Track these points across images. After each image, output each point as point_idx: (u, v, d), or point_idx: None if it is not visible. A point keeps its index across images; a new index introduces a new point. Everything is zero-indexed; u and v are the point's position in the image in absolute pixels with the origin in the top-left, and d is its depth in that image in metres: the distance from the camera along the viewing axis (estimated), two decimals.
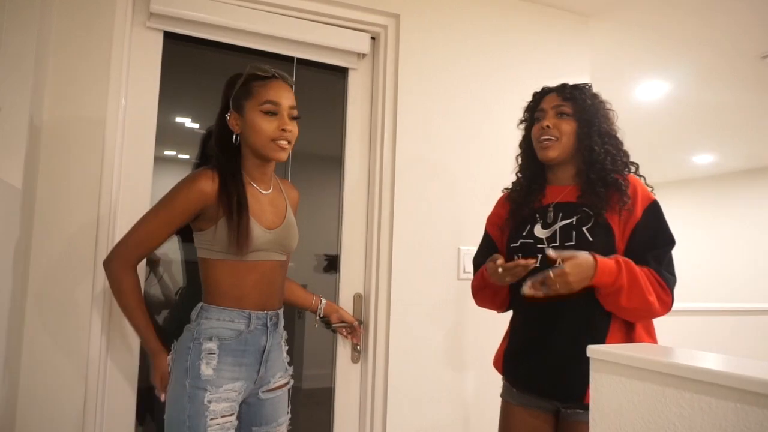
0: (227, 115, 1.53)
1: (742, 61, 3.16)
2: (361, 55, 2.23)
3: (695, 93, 3.79)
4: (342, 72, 2.24)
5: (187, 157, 2.15)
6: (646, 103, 4.00)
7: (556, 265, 1.35)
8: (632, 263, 1.41)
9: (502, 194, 1.76)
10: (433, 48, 2.26)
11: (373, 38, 2.25)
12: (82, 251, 1.75)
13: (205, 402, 1.40)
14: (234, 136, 1.52)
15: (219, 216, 1.46)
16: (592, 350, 0.98)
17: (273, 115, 1.49)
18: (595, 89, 1.64)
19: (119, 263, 1.48)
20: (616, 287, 1.38)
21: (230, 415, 1.45)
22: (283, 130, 1.48)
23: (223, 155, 1.53)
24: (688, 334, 3.58)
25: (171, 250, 1.95)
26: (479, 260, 1.71)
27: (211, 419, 1.40)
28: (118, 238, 1.79)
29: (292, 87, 1.56)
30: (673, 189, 7.57)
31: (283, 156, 1.51)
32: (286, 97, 1.50)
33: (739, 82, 3.54)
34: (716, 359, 0.88)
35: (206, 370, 1.43)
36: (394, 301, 2.11)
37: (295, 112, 1.53)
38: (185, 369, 1.44)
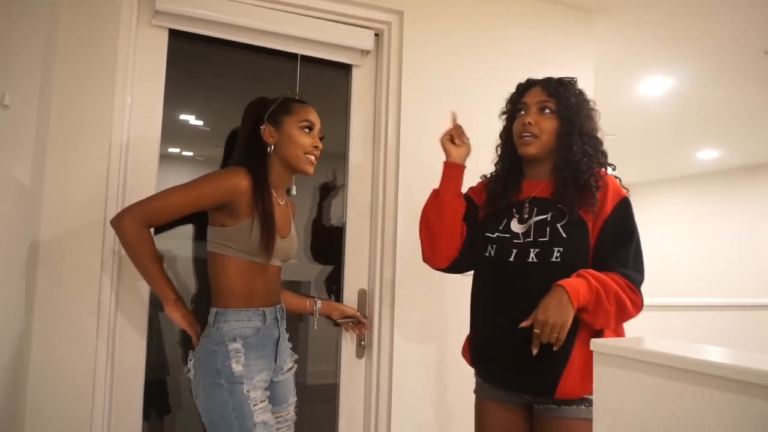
0: (262, 127, 1.63)
1: (746, 56, 3.15)
2: (364, 52, 2.24)
3: (699, 88, 3.78)
4: (346, 69, 2.24)
5: (191, 154, 2.16)
6: (650, 98, 4.00)
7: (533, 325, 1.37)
8: (591, 270, 1.41)
9: (482, 179, 1.75)
10: (436, 44, 2.27)
11: (376, 35, 2.25)
12: (90, 247, 1.76)
13: (245, 392, 1.50)
14: (269, 147, 1.64)
15: (245, 216, 1.54)
16: (596, 344, 0.99)
17: (309, 131, 1.66)
18: (592, 85, 1.63)
19: (135, 222, 1.50)
20: (594, 294, 1.36)
21: (265, 400, 1.56)
22: (315, 146, 1.66)
23: (255, 162, 1.62)
24: (691, 330, 3.58)
25: (176, 247, 1.96)
26: None
27: (254, 405, 1.50)
28: None
29: None
30: (678, 185, 7.56)
31: (311, 169, 1.67)
32: (318, 121, 1.69)
33: (743, 78, 3.54)
34: (719, 352, 0.89)
35: (237, 367, 1.51)
36: (398, 296, 2.12)
37: (322, 134, 1.70)
38: (216, 371, 1.50)
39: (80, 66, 1.79)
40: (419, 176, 2.18)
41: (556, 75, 1.68)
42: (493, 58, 2.35)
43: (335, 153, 2.22)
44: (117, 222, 1.51)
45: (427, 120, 2.22)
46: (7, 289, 1.48)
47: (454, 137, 1.67)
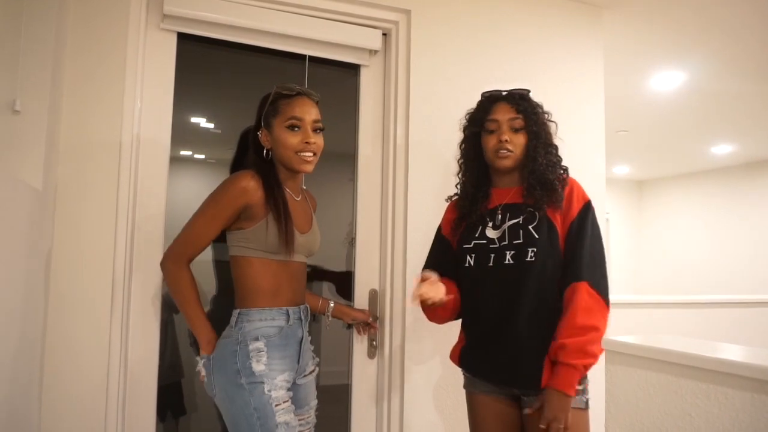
0: (259, 133, 1.63)
1: (759, 49, 3.11)
2: (372, 52, 2.24)
3: (712, 82, 3.74)
4: (354, 69, 2.24)
5: (202, 156, 2.17)
6: (662, 93, 3.96)
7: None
8: (570, 342, 1.46)
9: (449, 201, 1.83)
10: (444, 43, 2.26)
11: (384, 34, 2.25)
12: (102, 250, 1.78)
13: (266, 392, 1.49)
14: (265, 151, 1.63)
15: (261, 216, 1.54)
16: (608, 342, 0.98)
17: (297, 129, 1.59)
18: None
19: (173, 262, 1.56)
20: (584, 361, 1.46)
21: (288, 400, 1.54)
22: (306, 143, 1.58)
23: (262, 161, 1.63)
24: (706, 327, 3.54)
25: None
26: (435, 266, 1.73)
27: (276, 405, 1.49)
28: (136, 237, 1.84)
29: (316, 102, 1.65)
30: (692, 180, 7.48)
31: (309, 168, 1.61)
32: (308, 112, 1.60)
33: (757, 70, 3.49)
34: (734, 350, 0.88)
35: (258, 366, 1.50)
36: (409, 296, 2.11)
37: (319, 125, 1.62)
38: (236, 371, 1.50)
39: (89, 71, 1.80)
40: (429, 175, 2.18)
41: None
42: (501, 54, 2.34)
43: (345, 153, 2.22)
44: (162, 265, 1.58)
45: (437, 119, 2.21)
46: (22, 291, 1.50)
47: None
